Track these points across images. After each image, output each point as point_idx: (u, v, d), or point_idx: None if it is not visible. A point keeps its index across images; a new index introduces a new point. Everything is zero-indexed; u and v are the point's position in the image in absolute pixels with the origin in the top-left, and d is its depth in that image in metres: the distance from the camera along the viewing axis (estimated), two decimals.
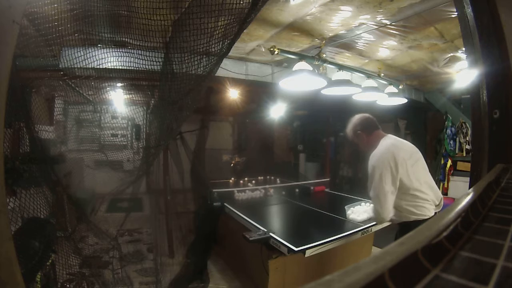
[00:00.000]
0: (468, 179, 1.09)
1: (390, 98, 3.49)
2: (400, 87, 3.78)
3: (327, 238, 2.02)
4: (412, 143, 1.91)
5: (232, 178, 4.52)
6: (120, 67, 2.14)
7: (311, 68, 2.59)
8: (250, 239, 2.03)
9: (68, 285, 2.38)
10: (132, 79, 2.66)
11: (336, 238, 2.06)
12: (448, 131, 4.77)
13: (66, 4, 1.54)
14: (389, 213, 1.68)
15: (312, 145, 6.91)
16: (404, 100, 3.71)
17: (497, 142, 0.88)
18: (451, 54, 3.14)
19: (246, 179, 4.44)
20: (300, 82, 2.68)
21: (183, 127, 3.52)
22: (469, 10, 0.94)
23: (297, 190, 3.92)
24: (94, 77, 2.47)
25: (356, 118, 1.97)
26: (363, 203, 2.78)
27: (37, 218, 1.71)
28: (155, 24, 1.45)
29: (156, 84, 2.31)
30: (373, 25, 2.47)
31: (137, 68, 1.85)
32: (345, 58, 3.37)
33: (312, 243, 1.93)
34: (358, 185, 5.82)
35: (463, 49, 2.27)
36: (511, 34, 0.85)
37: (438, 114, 5.08)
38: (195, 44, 1.35)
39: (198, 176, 3.95)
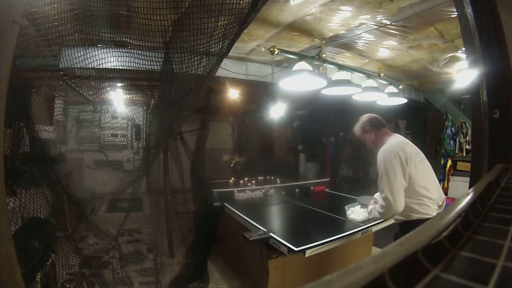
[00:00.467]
0: (468, 179, 1.09)
1: (390, 98, 3.49)
2: (400, 87, 3.78)
3: (327, 238, 2.02)
4: (412, 143, 1.92)
5: (232, 178, 4.52)
6: (120, 67, 2.14)
7: (311, 68, 2.59)
8: (250, 239, 2.03)
9: (68, 285, 2.38)
10: (132, 79, 2.66)
11: (336, 238, 2.06)
12: (448, 131, 4.77)
13: (66, 4, 1.54)
14: (402, 205, 1.68)
15: (312, 145, 6.91)
16: (404, 100, 3.71)
17: (497, 142, 0.88)
18: (451, 54, 3.14)
19: (246, 179, 4.44)
20: (300, 82, 2.68)
21: (183, 127, 3.52)
22: (469, 10, 0.94)
23: (297, 190, 3.92)
24: (94, 77, 2.47)
25: (365, 116, 2.04)
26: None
27: (37, 218, 1.70)
28: (155, 24, 1.45)
29: (156, 84, 2.31)
30: (373, 25, 2.47)
31: (137, 68, 1.84)
32: (345, 58, 3.37)
33: (312, 243, 1.93)
34: (358, 185, 5.82)
35: (463, 49, 2.26)
36: (511, 34, 0.85)
37: (438, 114, 5.08)
38: (195, 44, 1.35)
39: (198, 176, 3.95)
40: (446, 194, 4.67)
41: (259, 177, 4.67)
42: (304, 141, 7.11)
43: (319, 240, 1.97)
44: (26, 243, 1.51)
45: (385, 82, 3.50)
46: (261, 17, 2.31)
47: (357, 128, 2.05)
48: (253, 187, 3.86)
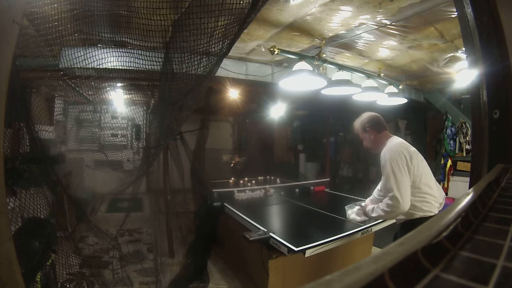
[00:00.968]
0: (468, 179, 1.09)
1: (390, 98, 3.49)
2: (400, 87, 3.78)
3: (327, 238, 2.02)
4: (412, 143, 1.93)
5: (232, 178, 4.52)
6: (120, 67, 2.14)
7: (311, 68, 2.59)
8: (250, 239, 2.03)
9: (68, 285, 2.38)
10: (132, 79, 2.66)
11: (336, 238, 2.06)
12: (448, 131, 4.77)
13: (66, 4, 1.54)
14: (409, 204, 1.67)
15: (312, 145, 6.91)
16: (404, 100, 3.72)
17: (497, 142, 0.88)
18: (451, 54, 3.14)
19: (246, 179, 4.44)
20: (300, 82, 2.68)
21: (183, 127, 3.52)
22: (469, 10, 0.94)
23: (297, 190, 3.92)
24: (94, 77, 2.47)
25: (367, 115, 2.01)
26: (363, 203, 2.78)
27: (37, 218, 1.70)
28: (155, 24, 1.45)
29: (156, 84, 2.31)
30: (373, 25, 2.47)
31: (137, 68, 1.84)
32: (345, 58, 3.37)
33: (312, 243, 1.93)
34: (358, 185, 5.82)
35: (463, 49, 2.27)
36: (511, 34, 0.85)
37: (438, 114, 5.08)
38: (195, 44, 1.35)
39: (198, 176, 3.95)
40: (446, 194, 4.66)
41: (259, 177, 4.67)
42: (304, 141, 7.12)
43: (319, 240, 1.97)
44: (26, 243, 1.51)
45: (385, 82, 3.50)
46: (261, 17, 2.31)
47: (357, 125, 2.03)
48: (253, 187, 3.86)
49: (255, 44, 2.95)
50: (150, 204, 4.31)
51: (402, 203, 1.66)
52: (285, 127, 7.22)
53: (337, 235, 2.09)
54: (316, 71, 2.71)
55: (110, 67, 2.17)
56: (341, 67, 3.01)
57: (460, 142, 4.65)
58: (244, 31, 1.40)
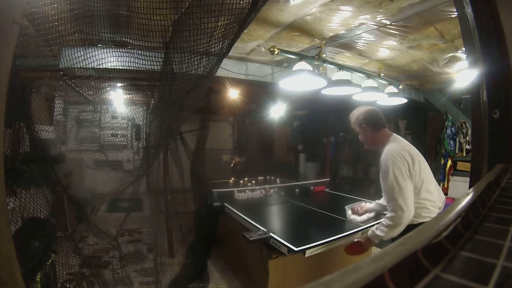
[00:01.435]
0: (468, 179, 1.09)
1: (390, 98, 3.49)
2: (400, 87, 3.78)
3: (327, 238, 2.02)
4: (412, 143, 1.82)
5: (232, 178, 4.52)
6: (120, 67, 2.14)
7: (311, 68, 2.59)
8: (250, 239, 2.03)
9: (68, 285, 2.39)
10: (132, 79, 2.66)
11: (336, 238, 2.06)
12: (448, 131, 4.77)
13: (66, 4, 1.54)
14: (413, 211, 1.56)
15: (312, 145, 6.91)
16: (404, 100, 3.72)
17: (497, 142, 0.88)
18: (451, 54, 3.14)
19: (246, 179, 4.44)
20: (300, 82, 2.68)
21: (183, 127, 3.52)
22: (469, 10, 0.94)
23: (297, 190, 3.92)
24: (94, 77, 2.47)
25: (363, 110, 1.83)
26: (363, 203, 2.78)
27: (37, 218, 1.70)
28: (155, 24, 1.45)
29: (156, 84, 2.31)
30: (373, 25, 2.47)
31: (137, 68, 1.84)
32: (345, 58, 3.37)
33: (312, 243, 1.93)
34: (358, 185, 5.82)
35: (463, 49, 2.27)
36: (511, 34, 0.85)
37: (438, 114, 5.08)
38: (195, 44, 1.35)
39: (198, 176, 3.95)
40: (446, 194, 4.67)
41: (259, 177, 4.67)
42: (304, 141, 7.12)
43: (319, 240, 1.97)
44: (26, 243, 1.51)
45: (385, 82, 3.50)
46: (261, 17, 2.31)
47: (353, 118, 1.86)
48: (253, 187, 3.86)
49: (255, 44, 2.95)
50: (150, 204, 4.31)
51: (406, 212, 1.54)
52: (285, 127, 7.22)
53: (337, 235, 2.09)
54: (316, 71, 2.71)
55: (110, 67, 2.17)
56: (341, 67, 3.01)
57: (460, 142, 4.65)
58: (244, 31, 1.40)
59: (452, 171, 4.73)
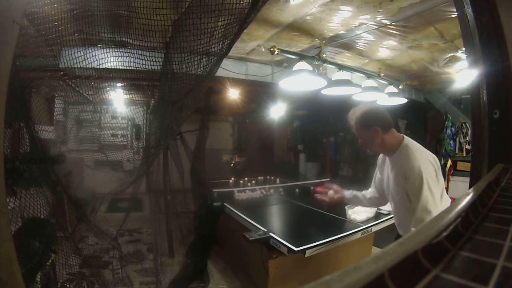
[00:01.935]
0: (468, 179, 1.09)
1: (390, 98, 3.49)
2: (400, 87, 3.78)
3: (327, 238, 2.02)
4: None
5: (232, 178, 4.52)
6: (120, 67, 2.14)
7: (311, 68, 2.59)
8: (250, 239, 2.03)
9: (68, 285, 2.39)
10: (132, 79, 2.66)
11: (336, 238, 2.06)
12: (448, 131, 4.77)
13: (66, 4, 1.54)
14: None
15: (312, 145, 6.91)
16: (404, 100, 3.72)
17: (497, 142, 0.88)
18: (451, 54, 3.14)
19: (246, 179, 4.44)
20: (300, 82, 2.68)
21: (183, 127, 3.52)
22: (469, 10, 0.94)
23: (297, 190, 3.92)
24: (94, 77, 2.47)
25: (367, 109, 1.54)
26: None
27: (37, 218, 1.70)
28: (155, 24, 1.45)
29: (156, 84, 2.31)
30: (373, 25, 2.47)
31: (137, 68, 1.84)
32: (345, 58, 3.37)
33: (312, 243, 1.93)
34: (358, 185, 5.82)
35: (463, 49, 2.26)
36: (511, 34, 0.85)
37: (438, 114, 5.08)
38: (195, 44, 1.35)
39: (198, 176, 3.95)
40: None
41: (259, 177, 4.67)
42: (304, 141, 7.12)
43: (319, 240, 1.97)
44: (26, 243, 1.51)
45: (385, 82, 3.50)
46: (261, 17, 2.31)
47: (354, 120, 1.56)
48: (253, 187, 3.86)
49: (255, 44, 2.95)
50: (150, 204, 4.31)
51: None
52: (285, 127, 7.22)
53: (337, 235, 2.10)
54: (316, 71, 2.71)
55: (110, 67, 2.17)
56: (341, 67, 3.01)
57: (460, 142, 4.65)
58: (244, 31, 1.40)
59: (452, 171, 4.73)
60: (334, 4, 2.13)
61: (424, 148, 1.51)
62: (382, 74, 3.47)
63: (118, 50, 2.10)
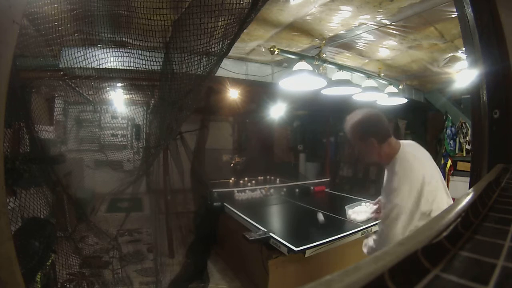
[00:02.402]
0: (468, 179, 1.09)
1: (390, 98, 3.49)
2: (400, 87, 3.78)
3: (327, 238, 2.02)
4: (427, 152, 1.54)
5: (232, 178, 4.52)
6: (120, 67, 2.14)
7: (311, 68, 2.59)
8: (250, 239, 2.03)
9: (68, 285, 2.38)
10: (132, 79, 2.67)
11: (336, 238, 2.06)
12: (448, 131, 4.77)
13: (66, 4, 1.54)
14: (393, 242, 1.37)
15: (312, 145, 6.91)
16: (404, 100, 3.71)
17: (497, 142, 0.88)
18: (451, 54, 3.14)
19: (246, 179, 4.44)
20: (300, 82, 2.68)
21: (183, 127, 3.52)
22: (469, 10, 0.94)
23: (297, 190, 3.92)
24: (94, 77, 2.47)
25: (362, 118, 1.44)
26: (363, 203, 2.78)
27: (37, 218, 1.71)
28: (155, 24, 1.45)
29: (156, 84, 2.31)
30: (373, 25, 2.47)
31: (137, 68, 1.85)
32: (345, 58, 3.37)
33: (312, 243, 1.93)
34: (358, 185, 5.82)
35: (463, 49, 2.26)
36: (511, 34, 0.85)
37: (438, 114, 5.08)
38: (195, 44, 1.35)
39: (198, 176, 3.95)
40: None
41: (259, 177, 4.67)
42: (304, 141, 7.11)
43: (319, 240, 1.97)
44: (26, 243, 1.51)
45: (385, 82, 3.50)
46: (261, 17, 2.31)
47: (349, 129, 1.48)
48: (253, 187, 3.86)
49: (255, 44, 2.95)
50: (150, 204, 4.31)
51: (387, 241, 1.35)
52: (285, 127, 7.22)
53: (337, 235, 2.10)
54: (316, 71, 2.71)
55: (110, 67, 2.17)
56: (341, 67, 3.01)
57: (460, 142, 4.65)
58: (244, 31, 1.40)
59: (452, 171, 4.73)
60: (334, 4, 2.13)
61: (419, 162, 1.38)
62: (382, 74, 3.47)
63: (118, 50, 2.11)
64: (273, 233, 2.08)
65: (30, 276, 1.52)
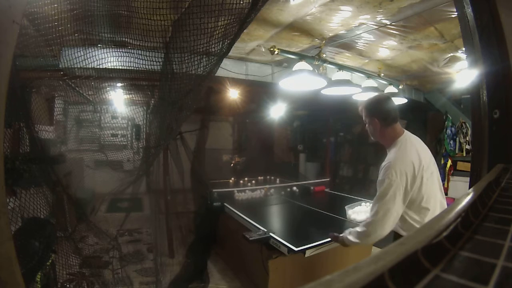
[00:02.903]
0: (468, 179, 1.09)
1: None
2: (400, 87, 3.78)
3: (327, 238, 2.02)
4: (425, 146, 1.61)
5: (232, 178, 4.52)
6: (120, 67, 2.14)
7: (311, 68, 2.59)
8: (250, 239, 2.03)
9: (68, 285, 2.38)
10: (132, 79, 2.67)
11: None
12: (448, 131, 4.77)
13: (66, 4, 1.54)
14: (384, 235, 1.41)
15: (312, 145, 6.91)
16: (404, 100, 3.72)
17: (497, 142, 0.88)
18: (451, 54, 3.14)
19: (246, 179, 4.44)
20: (300, 82, 2.68)
21: (183, 127, 3.52)
22: (469, 10, 0.94)
23: (297, 190, 3.92)
24: (94, 77, 2.47)
25: (375, 99, 1.61)
26: (363, 203, 2.78)
27: (37, 218, 1.71)
28: (155, 24, 1.45)
29: (156, 84, 2.31)
30: (373, 25, 2.47)
31: (137, 68, 1.85)
32: (345, 58, 3.37)
33: (312, 243, 1.93)
34: (358, 185, 5.82)
35: (463, 49, 2.27)
36: (511, 34, 0.85)
37: (438, 114, 5.08)
38: (195, 44, 1.35)
39: (198, 176, 3.95)
40: (446, 194, 4.66)
41: (259, 177, 4.67)
42: (304, 141, 7.11)
43: (319, 240, 1.97)
44: (26, 243, 1.51)
45: (385, 82, 3.50)
46: (261, 17, 2.31)
47: (361, 106, 1.62)
48: (253, 187, 3.86)
49: (255, 44, 2.95)
50: (150, 204, 4.31)
51: (380, 232, 1.40)
52: (285, 127, 7.22)
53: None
54: (316, 71, 2.71)
55: (110, 67, 2.17)
56: (341, 67, 3.01)
57: (460, 142, 4.65)
58: (244, 31, 1.40)
59: (452, 171, 4.73)
60: (334, 4, 2.13)
61: (412, 154, 1.45)
62: (382, 74, 3.47)
63: (118, 50, 2.11)
64: (273, 233, 2.08)
65: (30, 276, 1.52)
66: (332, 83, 2.88)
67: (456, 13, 1.54)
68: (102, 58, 2.04)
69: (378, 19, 2.36)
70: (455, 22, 2.28)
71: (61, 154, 2.93)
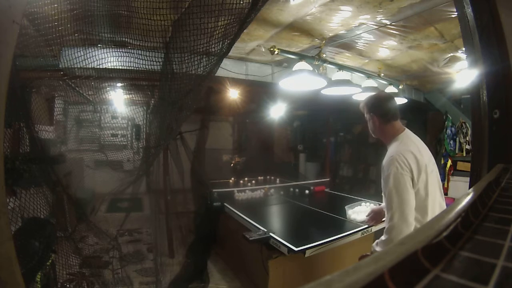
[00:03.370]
0: (468, 179, 1.09)
1: None
2: (400, 87, 3.78)
3: (327, 238, 2.02)
4: (424, 144, 1.60)
5: (232, 178, 4.52)
6: (120, 67, 2.14)
7: (311, 68, 2.59)
8: (250, 239, 2.03)
9: (68, 285, 2.38)
10: (132, 79, 2.67)
11: (336, 238, 2.06)
12: (448, 131, 4.76)
13: (66, 4, 1.54)
14: (413, 224, 1.36)
15: (312, 145, 6.91)
16: (404, 100, 3.72)
17: (497, 142, 0.88)
18: (451, 54, 3.13)
19: (246, 179, 4.44)
20: (300, 82, 2.68)
21: (183, 127, 3.52)
22: (469, 10, 0.94)
23: (297, 190, 3.93)
24: (94, 77, 2.47)
25: (376, 96, 1.63)
26: (363, 203, 2.78)
27: (37, 218, 1.71)
28: (155, 24, 1.45)
29: (156, 84, 2.31)
30: (373, 25, 2.47)
31: (137, 68, 1.85)
32: (345, 58, 3.37)
33: (312, 243, 1.93)
34: (358, 185, 5.82)
35: (463, 49, 2.26)
36: (511, 34, 0.85)
37: (438, 114, 5.08)
38: (195, 44, 1.35)
39: (198, 176, 3.95)
40: (446, 194, 4.67)
41: (259, 177, 4.67)
42: (304, 141, 7.11)
43: (319, 240, 1.97)
44: (26, 243, 1.51)
45: (385, 82, 3.50)
46: (261, 17, 2.31)
47: (363, 103, 1.65)
48: (253, 187, 3.86)
49: (255, 44, 2.95)
50: (150, 204, 4.31)
51: (406, 227, 1.34)
52: (285, 127, 7.22)
53: (337, 235, 2.09)
54: (316, 71, 2.71)
55: (110, 67, 2.17)
56: (341, 67, 3.01)
57: (460, 142, 4.65)
58: (244, 31, 1.40)
59: (452, 171, 4.73)
60: (334, 4, 2.13)
61: (413, 148, 1.45)
62: (382, 74, 3.47)
63: (118, 50, 2.11)
64: (273, 233, 2.08)
65: (30, 276, 1.52)
66: (332, 83, 2.88)
67: (456, 13, 1.54)
68: (102, 58, 2.04)
69: (378, 19, 2.36)
70: (455, 22, 2.27)
71: (61, 154, 2.93)
